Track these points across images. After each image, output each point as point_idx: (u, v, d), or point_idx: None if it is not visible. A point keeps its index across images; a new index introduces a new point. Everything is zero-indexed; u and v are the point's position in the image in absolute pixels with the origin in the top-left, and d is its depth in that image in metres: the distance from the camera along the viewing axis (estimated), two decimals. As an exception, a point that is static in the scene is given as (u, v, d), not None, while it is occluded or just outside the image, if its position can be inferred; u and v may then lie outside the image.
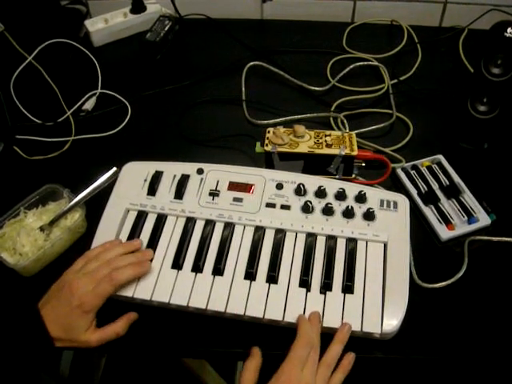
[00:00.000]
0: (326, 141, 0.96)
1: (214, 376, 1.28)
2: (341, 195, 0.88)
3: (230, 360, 1.32)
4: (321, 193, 0.88)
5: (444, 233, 0.91)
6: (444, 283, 0.85)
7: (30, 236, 0.89)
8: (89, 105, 1.17)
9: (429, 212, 0.94)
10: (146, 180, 0.92)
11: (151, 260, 0.84)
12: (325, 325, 0.77)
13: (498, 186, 1.00)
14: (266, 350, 0.76)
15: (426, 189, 0.97)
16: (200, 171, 0.93)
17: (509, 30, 0.92)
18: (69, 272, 0.81)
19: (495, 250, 0.91)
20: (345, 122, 1.10)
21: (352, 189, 0.90)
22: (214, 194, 0.90)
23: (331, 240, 0.85)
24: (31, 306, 0.77)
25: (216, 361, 0.76)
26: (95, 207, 0.91)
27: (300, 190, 0.89)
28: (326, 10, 1.40)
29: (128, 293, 0.80)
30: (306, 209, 0.87)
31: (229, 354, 0.81)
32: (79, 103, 1.17)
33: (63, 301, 0.77)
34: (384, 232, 0.85)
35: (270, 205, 0.88)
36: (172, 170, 0.93)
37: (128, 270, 0.80)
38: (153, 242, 0.86)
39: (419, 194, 0.97)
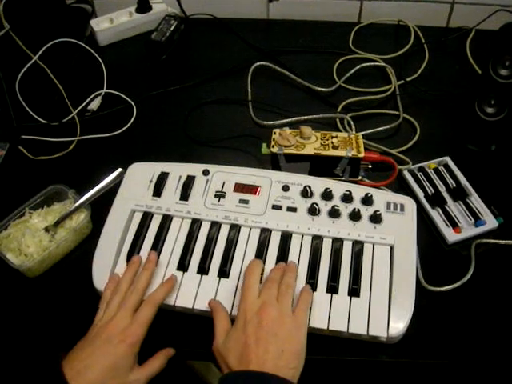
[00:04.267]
0: (332, 142, 0.95)
1: (219, 377, 1.28)
2: (347, 197, 0.88)
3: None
4: (327, 195, 0.88)
5: (451, 236, 0.90)
6: (451, 286, 0.85)
7: (34, 237, 0.89)
8: (94, 105, 1.17)
9: (435, 214, 0.93)
10: (151, 181, 0.92)
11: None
12: (331, 328, 0.77)
13: (505, 188, 0.99)
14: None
15: (432, 191, 0.97)
16: (206, 172, 0.92)
17: (517, 31, 0.92)
18: (95, 322, 0.76)
19: (502, 254, 0.90)
20: (351, 123, 1.09)
21: (358, 191, 0.89)
22: (219, 195, 0.89)
23: (337, 242, 0.85)
24: (54, 367, 0.70)
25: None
26: (100, 208, 0.91)
27: (306, 192, 0.88)
28: (333, 9, 1.39)
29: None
30: (313, 211, 0.86)
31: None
32: (84, 103, 1.17)
33: (101, 343, 0.71)
34: (391, 235, 0.84)
35: (276, 207, 0.88)
36: (178, 171, 0.93)
37: (160, 288, 0.79)
38: (158, 244, 0.85)
39: (426, 196, 0.96)
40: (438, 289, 0.84)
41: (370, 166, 0.99)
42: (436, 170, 1.00)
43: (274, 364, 0.67)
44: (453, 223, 0.92)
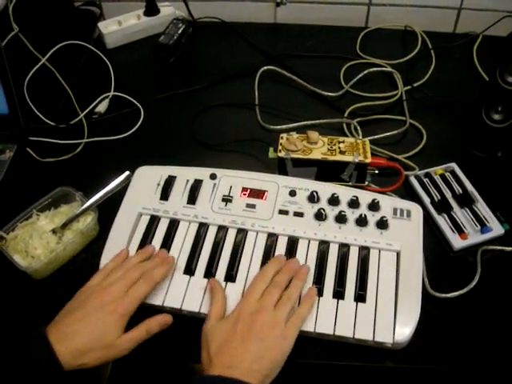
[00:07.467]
0: (339, 147, 0.95)
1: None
2: (354, 203, 0.88)
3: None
4: (334, 200, 0.88)
5: (457, 242, 0.90)
6: (457, 293, 0.85)
7: (42, 239, 0.89)
8: (102, 107, 1.17)
9: (441, 221, 0.93)
10: (158, 184, 0.92)
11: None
12: (337, 333, 0.77)
13: (511, 195, 0.99)
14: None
15: (439, 197, 0.97)
16: (213, 176, 0.92)
17: (525, 38, 0.92)
18: (88, 286, 0.79)
19: (508, 260, 0.90)
20: (358, 128, 1.09)
21: (365, 197, 0.89)
22: (226, 199, 0.90)
23: (344, 248, 0.85)
24: (38, 332, 0.71)
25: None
26: (107, 211, 0.91)
27: (313, 198, 0.88)
28: (340, 14, 1.39)
29: (140, 298, 0.80)
30: (319, 216, 0.87)
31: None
32: (92, 105, 1.17)
33: (93, 309, 0.74)
34: (397, 241, 0.85)
35: (283, 212, 0.88)
36: (185, 174, 0.93)
37: (159, 269, 0.81)
38: (165, 247, 0.86)
39: (432, 202, 0.96)
40: (444, 295, 0.84)
41: (376, 172, 0.99)
42: (442, 176, 1.00)
43: (249, 366, 0.69)
44: (459, 229, 0.91)
